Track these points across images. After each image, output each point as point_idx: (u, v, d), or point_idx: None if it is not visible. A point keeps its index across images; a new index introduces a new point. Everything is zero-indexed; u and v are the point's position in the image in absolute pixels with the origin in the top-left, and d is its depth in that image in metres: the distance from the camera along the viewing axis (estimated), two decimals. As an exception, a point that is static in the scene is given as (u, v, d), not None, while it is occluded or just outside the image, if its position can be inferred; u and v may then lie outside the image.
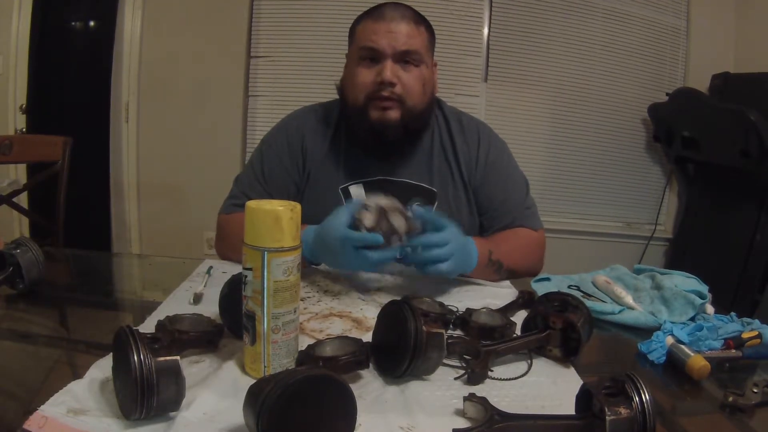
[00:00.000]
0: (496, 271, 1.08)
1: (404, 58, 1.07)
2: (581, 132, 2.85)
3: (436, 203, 1.17)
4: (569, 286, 1.05)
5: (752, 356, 0.80)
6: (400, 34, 1.06)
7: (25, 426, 0.54)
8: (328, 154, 1.19)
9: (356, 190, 1.16)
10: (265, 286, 0.64)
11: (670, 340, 0.81)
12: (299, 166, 1.19)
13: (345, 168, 1.17)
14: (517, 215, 1.20)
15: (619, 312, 0.94)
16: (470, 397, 0.60)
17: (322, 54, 2.71)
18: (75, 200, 1.84)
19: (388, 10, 1.09)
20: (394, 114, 1.08)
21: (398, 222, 0.88)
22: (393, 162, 1.17)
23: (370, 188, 1.16)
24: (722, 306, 0.98)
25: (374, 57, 1.08)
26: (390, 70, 1.06)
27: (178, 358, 0.57)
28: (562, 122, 2.84)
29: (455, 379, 0.69)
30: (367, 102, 1.09)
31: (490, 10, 2.74)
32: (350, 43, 1.16)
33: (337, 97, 1.21)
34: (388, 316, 0.71)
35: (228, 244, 1.17)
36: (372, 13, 1.10)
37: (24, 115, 2.74)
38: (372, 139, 1.12)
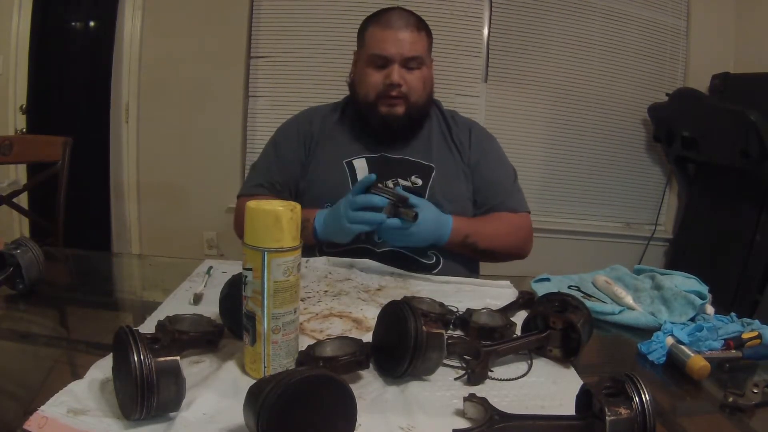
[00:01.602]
0: (473, 251, 1.22)
1: (408, 63, 1.22)
2: (581, 132, 2.85)
3: (433, 175, 1.26)
4: (569, 287, 1.05)
5: (752, 356, 0.80)
6: (405, 41, 1.21)
7: (25, 426, 0.54)
8: (334, 132, 1.32)
9: (360, 163, 1.28)
10: (265, 286, 0.64)
11: (670, 340, 0.81)
12: (307, 143, 1.32)
13: (349, 145, 1.30)
14: (505, 198, 1.30)
15: (619, 312, 0.94)
16: (470, 398, 0.60)
17: (322, 54, 2.70)
18: (75, 200, 1.84)
19: (395, 19, 1.23)
20: (400, 109, 1.24)
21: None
22: (395, 144, 1.29)
23: (371, 163, 1.27)
24: (722, 306, 0.98)
25: (383, 63, 1.22)
26: (397, 73, 1.21)
27: (178, 358, 0.57)
28: (562, 122, 2.83)
29: (455, 379, 0.69)
30: (377, 99, 1.24)
31: (490, 10, 2.74)
32: (360, 45, 1.28)
33: (342, 98, 1.35)
34: (388, 316, 0.71)
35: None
36: (380, 21, 1.24)
37: (24, 115, 2.74)
38: (380, 129, 1.26)
